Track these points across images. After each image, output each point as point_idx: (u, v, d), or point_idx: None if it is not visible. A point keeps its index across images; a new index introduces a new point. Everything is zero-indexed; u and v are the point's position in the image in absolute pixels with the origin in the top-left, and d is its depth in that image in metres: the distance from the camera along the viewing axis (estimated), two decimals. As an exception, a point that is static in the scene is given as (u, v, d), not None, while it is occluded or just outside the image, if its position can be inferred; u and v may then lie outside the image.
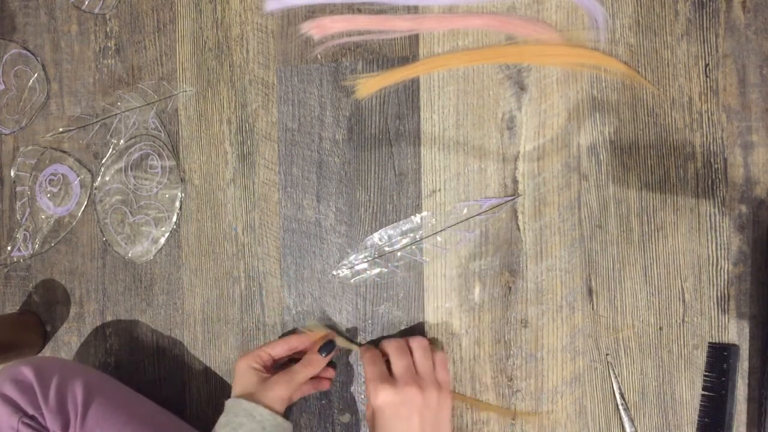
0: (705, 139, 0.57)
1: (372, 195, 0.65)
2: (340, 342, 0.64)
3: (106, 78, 0.74)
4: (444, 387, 0.56)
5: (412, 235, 0.64)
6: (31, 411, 0.55)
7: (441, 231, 0.63)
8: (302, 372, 0.60)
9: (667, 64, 0.58)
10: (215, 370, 0.70)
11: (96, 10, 0.74)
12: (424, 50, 0.64)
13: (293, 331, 0.67)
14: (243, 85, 0.69)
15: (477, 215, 0.62)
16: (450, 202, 0.63)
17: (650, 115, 0.58)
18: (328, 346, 0.61)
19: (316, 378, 0.64)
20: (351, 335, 0.66)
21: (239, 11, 0.69)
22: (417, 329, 0.64)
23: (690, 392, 0.57)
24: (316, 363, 0.61)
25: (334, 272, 0.66)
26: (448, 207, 0.63)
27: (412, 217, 0.64)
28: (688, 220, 0.58)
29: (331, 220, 0.66)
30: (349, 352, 0.66)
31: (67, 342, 0.75)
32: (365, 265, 0.65)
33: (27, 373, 0.57)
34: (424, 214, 0.64)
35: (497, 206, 0.62)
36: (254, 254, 0.69)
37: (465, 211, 0.62)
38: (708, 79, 0.57)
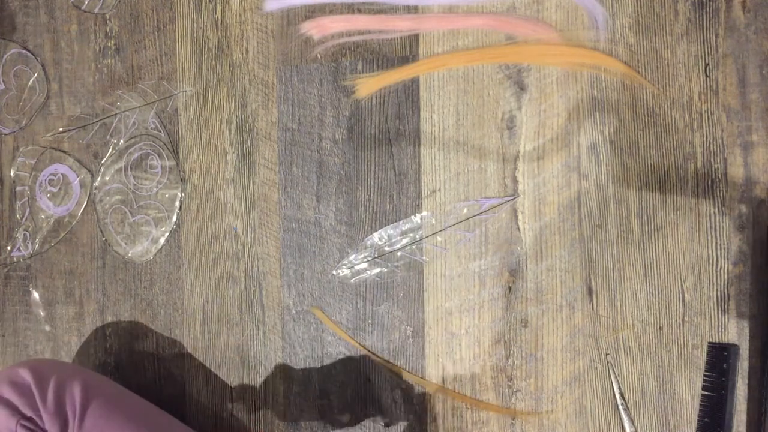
0: (705, 139, 0.57)
1: (372, 195, 0.65)
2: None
3: (106, 78, 0.74)
4: None
5: (412, 235, 0.64)
6: (29, 413, 0.55)
7: (441, 231, 0.63)
8: None
9: (667, 64, 0.58)
10: (215, 370, 0.70)
11: (96, 10, 0.74)
12: (424, 50, 0.64)
13: None
14: (243, 85, 0.69)
15: (477, 215, 0.62)
16: (450, 202, 0.63)
17: (650, 115, 0.58)
18: None
19: None
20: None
21: (239, 11, 0.69)
22: (417, 329, 0.64)
23: (690, 392, 0.57)
24: None
25: (334, 272, 0.66)
26: (448, 207, 0.63)
27: (412, 217, 0.64)
28: (688, 220, 0.58)
29: (331, 220, 0.66)
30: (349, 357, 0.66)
31: (66, 342, 0.75)
32: (365, 265, 0.65)
33: (24, 375, 0.57)
34: (424, 214, 0.64)
35: (497, 206, 0.62)
36: (254, 254, 0.69)
37: (465, 211, 0.62)
38: (708, 79, 0.57)
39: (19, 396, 0.55)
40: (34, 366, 0.59)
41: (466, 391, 0.63)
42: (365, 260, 0.65)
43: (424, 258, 0.64)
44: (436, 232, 0.63)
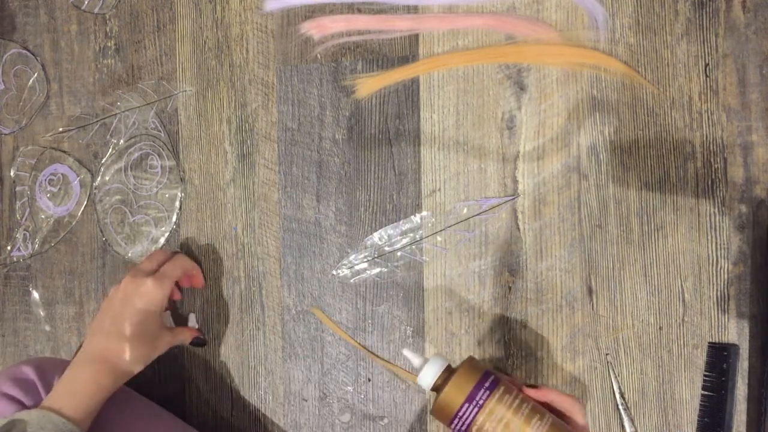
0: (705, 139, 0.57)
1: (372, 195, 0.65)
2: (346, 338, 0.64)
3: (106, 78, 0.74)
4: None
5: (412, 235, 0.64)
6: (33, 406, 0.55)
7: (441, 231, 0.63)
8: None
9: (667, 63, 0.58)
10: (215, 370, 0.70)
11: (96, 10, 0.74)
12: (424, 50, 0.64)
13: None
14: (243, 85, 0.69)
15: (477, 215, 0.62)
16: (450, 201, 0.63)
17: (650, 115, 0.58)
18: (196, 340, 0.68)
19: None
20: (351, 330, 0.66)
21: (239, 11, 0.69)
22: (417, 329, 0.64)
23: (690, 392, 0.58)
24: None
25: (334, 272, 0.66)
26: (448, 207, 0.63)
27: (412, 216, 0.64)
28: (688, 220, 0.58)
29: (331, 219, 0.66)
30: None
31: (66, 342, 0.75)
32: (365, 265, 0.65)
33: (27, 371, 0.57)
34: (424, 213, 0.64)
35: (497, 206, 0.62)
36: (254, 254, 0.69)
37: (465, 211, 0.62)
38: (708, 79, 0.57)
39: (24, 391, 0.55)
40: (37, 363, 0.59)
41: (466, 391, 0.63)
42: (365, 260, 0.65)
43: (424, 258, 0.64)
44: (436, 232, 0.63)
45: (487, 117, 0.62)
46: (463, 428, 0.44)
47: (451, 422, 0.44)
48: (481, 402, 0.44)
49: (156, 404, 0.66)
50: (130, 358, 0.58)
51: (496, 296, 0.62)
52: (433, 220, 0.64)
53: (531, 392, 0.47)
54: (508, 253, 0.62)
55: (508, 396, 0.44)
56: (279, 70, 0.68)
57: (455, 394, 0.44)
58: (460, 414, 0.44)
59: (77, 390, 0.55)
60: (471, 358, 0.48)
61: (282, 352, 0.68)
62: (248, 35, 0.69)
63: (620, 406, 0.59)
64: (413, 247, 0.64)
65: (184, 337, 0.66)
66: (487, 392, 0.44)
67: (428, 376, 0.47)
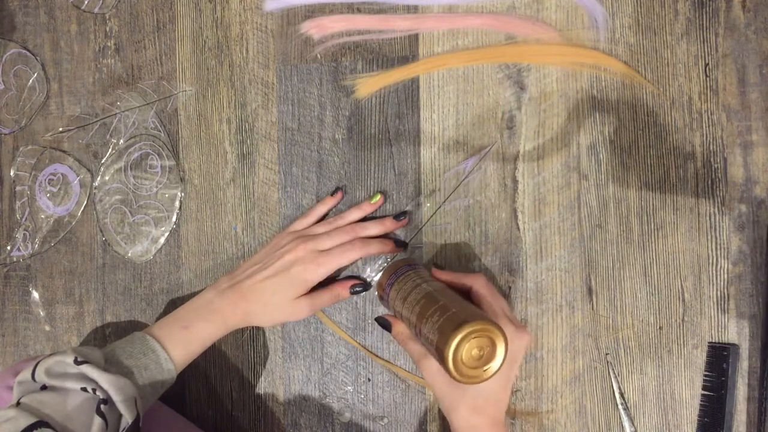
0: (705, 138, 0.57)
1: (372, 195, 0.65)
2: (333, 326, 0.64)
3: (106, 78, 0.74)
4: None
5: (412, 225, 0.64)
6: None
7: (438, 210, 0.63)
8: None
9: (667, 63, 0.58)
10: (215, 370, 0.70)
11: (95, 10, 0.74)
12: (424, 50, 0.64)
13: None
14: (243, 85, 0.69)
15: (465, 178, 0.62)
16: (449, 201, 0.63)
17: (650, 115, 0.58)
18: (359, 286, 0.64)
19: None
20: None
21: (239, 11, 0.69)
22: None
23: (690, 392, 0.58)
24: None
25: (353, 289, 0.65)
26: (439, 199, 0.63)
27: (406, 209, 0.64)
28: (687, 219, 0.58)
29: (331, 219, 0.66)
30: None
31: (66, 342, 0.75)
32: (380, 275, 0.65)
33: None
34: (419, 199, 0.64)
35: (479, 161, 0.62)
36: (254, 254, 0.69)
37: (453, 182, 0.62)
38: (708, 79, 0.57)
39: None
40: (41, 358, 0.58)
41: (466, 391, 0.63)
42: (380, 269, 0.65)
43: (424, 241, 0.64)
44: (434, 212, 0.63)
45: (487, 117, 0.62)
46: (387, 302, 0.59)
47: (386, 303, 0.60)
48: (389, 287, 0.58)
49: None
50: (255, 321, 0.60)
51: (496, 296, 0.62)
52: (428, 205, 0.63)
53: (437, 273, 0.58)
54: (508, 253, 0.62)
55: (406, 279, 0.57)
56: (279, 70, 0.68)
57: (380, 286, 0.61)
58: (384, 295, 0.59)
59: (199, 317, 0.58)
60: (394, 263, 0.61)
61: (282, 352, 0.68)
62: (248, 35, 0.69)
63: (620, 406, 0.59)
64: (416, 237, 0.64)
65: (332, 296, 0.62)
66: (394, 278, 0.58)
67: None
